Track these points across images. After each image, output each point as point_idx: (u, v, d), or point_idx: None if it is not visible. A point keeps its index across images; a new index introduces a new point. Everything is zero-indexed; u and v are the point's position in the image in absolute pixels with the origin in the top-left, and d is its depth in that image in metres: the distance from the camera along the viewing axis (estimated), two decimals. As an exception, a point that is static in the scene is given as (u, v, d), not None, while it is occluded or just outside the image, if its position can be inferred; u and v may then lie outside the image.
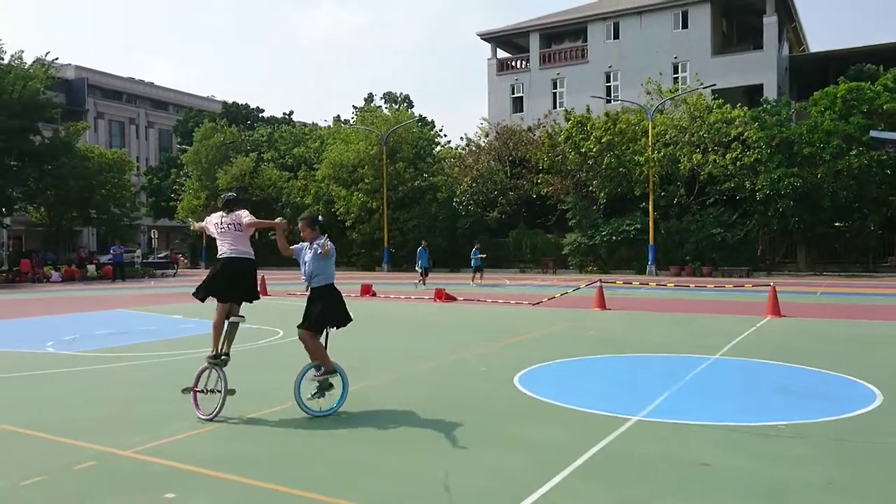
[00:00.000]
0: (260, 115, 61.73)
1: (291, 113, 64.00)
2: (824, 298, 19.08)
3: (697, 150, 31.37)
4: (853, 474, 4.74)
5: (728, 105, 32.23)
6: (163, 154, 64.82)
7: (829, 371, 8.30)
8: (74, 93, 61.34)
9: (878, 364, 8.78)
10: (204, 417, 6.29)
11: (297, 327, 6.68)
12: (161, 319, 15.44)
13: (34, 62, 38.65)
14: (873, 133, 27.45)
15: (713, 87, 33.65)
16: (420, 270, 24.67)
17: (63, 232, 45.89)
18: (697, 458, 5.07)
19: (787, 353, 9.57)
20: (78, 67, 62.71)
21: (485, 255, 28.14)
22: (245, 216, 6.91)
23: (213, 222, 6.97)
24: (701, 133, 31.70)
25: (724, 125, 31.46)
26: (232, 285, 6.75)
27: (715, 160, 30.73)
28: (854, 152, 28.36)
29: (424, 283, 24.25)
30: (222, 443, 5.60)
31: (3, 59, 37.32)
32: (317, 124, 54.63)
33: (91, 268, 38.27)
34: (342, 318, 6.68)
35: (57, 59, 40.25)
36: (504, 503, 4.19)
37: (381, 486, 4.55)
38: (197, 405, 6.47)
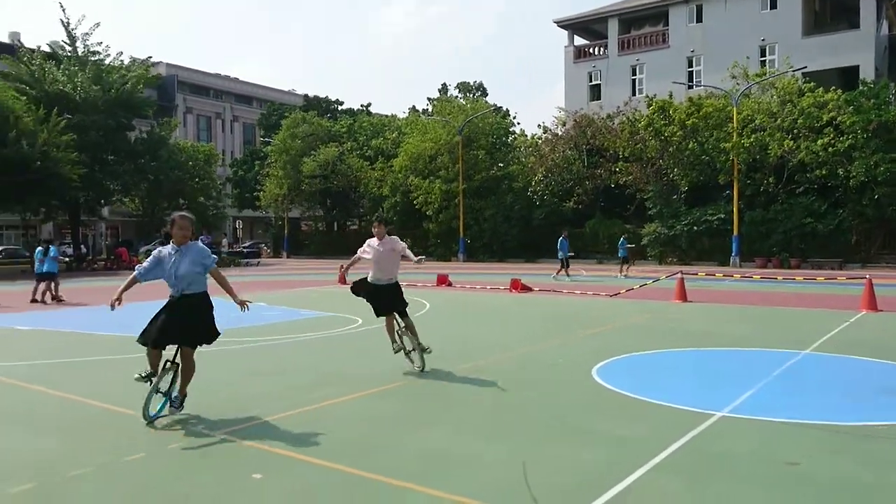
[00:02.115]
0: (339, 107, 62.93)
1: (369, 105, 64.96)
2: (927, 292, 17.92)
3: (788, 137, 29.96)
4: (959, 480, 4.46)
5: (821, 88, 30.60)
6: (246, 147, 67.12)
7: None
8: (165, 89, 64.18)
9: None
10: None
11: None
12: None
13: (131, 62, 40.75)
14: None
15: (804, 70, 32.01)
16: (561, 261, 24.08)
17: (155, 222, 48.28)
18: (785, 457, 4.89)
19: (885, 351, 9.07)
20: (168, 65, 65.53)
21: (633, 246, 27.43)
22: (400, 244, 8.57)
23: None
24: (792, 118, 30.24)
25: (817, 109, 29.91)
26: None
27: (807, 146, 29.28)
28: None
29: (568, 275, 23.75)
30: (308, 427, 5.77)
31: (105, 60, 39.53)
32: (395, 115, 55.23)
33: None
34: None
35: (150, 57, 42.27)
36: (584, 497, 4.16)
37: (466, 477, 4.59)
38: None
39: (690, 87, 38.16)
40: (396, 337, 8.21)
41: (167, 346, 6.10)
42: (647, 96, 36.03)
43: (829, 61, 36.00)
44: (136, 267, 6.12)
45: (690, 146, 32.01)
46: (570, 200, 37.02)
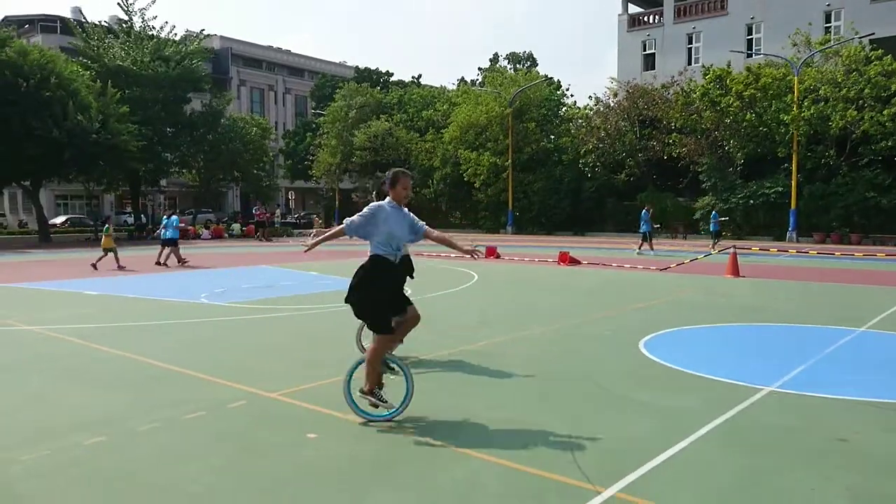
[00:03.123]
0: (389, 78, 63.03)
1: (420, 77, 64.88)
2: None
3: (852, 107, 28.76)
4: None
5: (889, 56, 29.20)
6: (299, 119, 67.95)
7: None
8: (220, 62, 65.25)
9: None
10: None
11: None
12: (300, 276, 16.45)
13: (186, 35, 41.56)
14: None
15: (871, 37, 30.55)
16: (643, 234, 23.74)
17: (211, 193, 49.52)
18: (834, 433, 4.86)
19: (946, 329, 8.79)
20: (222, 38, 66.50)
21: (725, 219, 26.66)
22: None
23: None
24: (857, 88, 28.99)
25: (884, 78, 28.59)
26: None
27: (872, 117, 28.08)
28: None
29: (652, 248, 23.42)
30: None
31: (161, 34, 40.41)
32: (445, 87, 55.05)
33: (236, 226, 41.14)
34: None
35: (204, 30, 43.02)
36: (628, 465, 4.23)
37: (513, 444, 4.70)
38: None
39: (749, 55, 36.90)
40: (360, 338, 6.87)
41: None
42: (704, 66, 35.01)
43: (898, 27, 34.28)
44: (346, 220, 5.33)
45: (748, 117, 31.06)
46: (622, 173, 36.45)
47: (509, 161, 39.52)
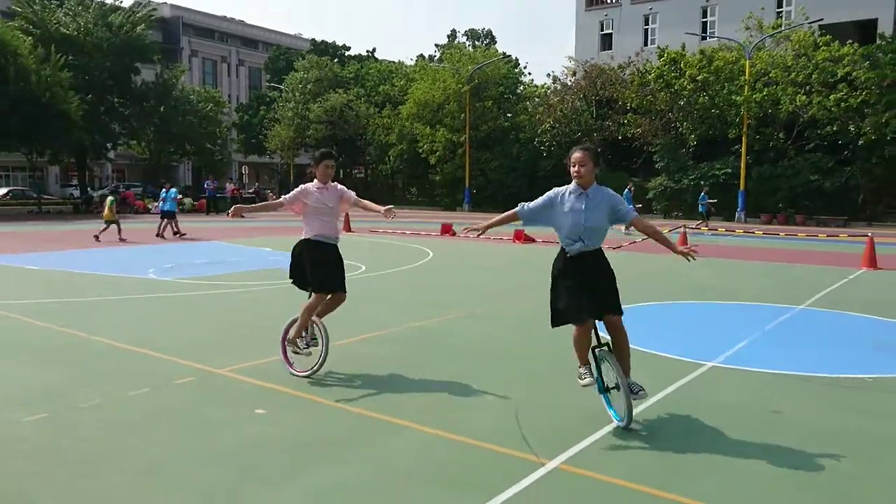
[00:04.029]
0: (346, 52, 62.10)
1: (374, 50, 64.10)
2: (929, 252, 17.94)
3: (801, 91, 29.50)
4: (936, 430, 4.61)
5: (836, 42, 29.97)
6: (252, 92, 66.49)
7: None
8: (170, 31, 63.29)
9: (981, 321, 8.31)
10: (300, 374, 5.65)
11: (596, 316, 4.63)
12: (251, 251, 16.21)
13: (135, 3, 40.16)
14: None
15: (820, 23, 31.29)
16: (702, 214, 23.60)
17: (162, 167, 48.27)
18: (770, 406, 5.05)
19: (880, 307, 9.18)
20: (172, 6, 64.46)
21: (715, 200, 26.57)
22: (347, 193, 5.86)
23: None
24: (806, 72, 29.71)
25: (831, 64, 29.36)
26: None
27: (819, 102, 28.86)
28: (978, 94, 26.03)
29: (707, 227, 23.23)
30: (322, 369, 5.94)
31: (107, 1, 38.96)
32: (402, 62, 54.52)
33: (187, 201, 40.25)
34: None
35: (154, -3, 41.68)
36: (572, 438, 4.33)
37: (462, 417, 4.78)
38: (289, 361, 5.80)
39: (704, 38, 37.43)
40: (317, 329, 5.78)
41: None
42: (659, 47, 35.40)
43: (846, 14, 35.12)
44: (521, 204, 4.77)
45: (701, 100, 31.60)
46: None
47: (466, 138, 39.48)
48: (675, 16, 40.42)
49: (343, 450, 4.16)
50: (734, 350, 6.71)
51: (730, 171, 31.40)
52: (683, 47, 33.70)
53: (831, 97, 28.54)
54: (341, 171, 54.07)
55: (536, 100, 41.26)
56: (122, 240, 18.18)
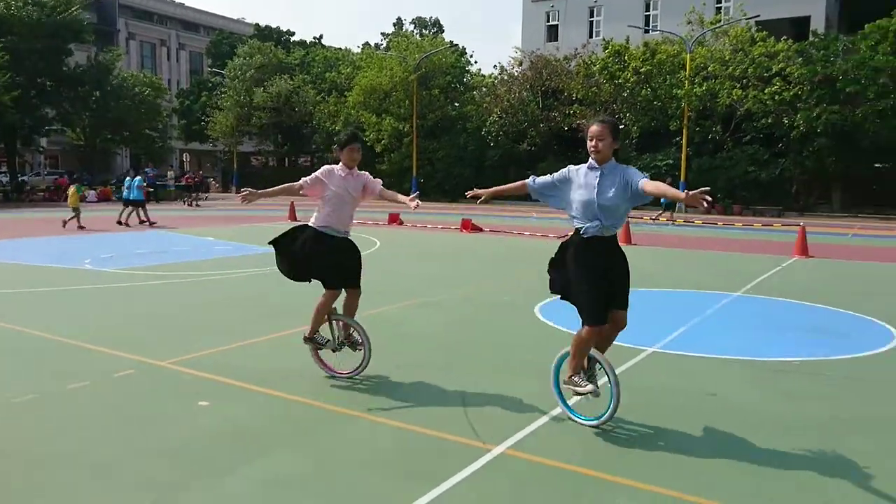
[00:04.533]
0: (291, 38, 60.98)
1: (321, 37, 63.10)
2: (856, 241, 18.82)
3: (738, 85, 30.43)
4: (859, 411, 4.86)
5: (772, 38, 31.00)
6: (193, 77, 64.72)
7: (851, 311, 8.33)
8: (105, 12, 60.98)
9: (901, 307, 8.77)
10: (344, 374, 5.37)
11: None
12: (194, 241, 15.86)
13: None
14: (924, 71, 26.35)
15: (757, 19, 32.29)
16: (665, 205, 23.61)
17: (98, 153, 46.61)
18: (705, 389, 5.23)
19: (810, 293, 9.59)
20: (109, -14, 62.13)
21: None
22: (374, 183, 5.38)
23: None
24: (743, 67, 30.66)
25: (767, 59, 30.37)
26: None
27: (755, 95, 29.82)
28: (902, 90, 27.30)
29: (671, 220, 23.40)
30: (257, 359, 5.89)
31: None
32: (349, 49, 53.87)
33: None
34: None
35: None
36: (518, 424, 4.41)
37: (409, 407, 4.79)
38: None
39: (647, 31, 38.15)
40: (333, 325, 5.49)
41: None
42: (604, 39, 35.95)
43: (781, 10, 36.30)
44: (532, 177, 4.57)
45: (643, 92, 32.26)
46: (524, 142, 37.11)
47: (413, 127, 39.36)
48: (619, 9, 41.04)
49: (288, 440, 4.13)
50: (673, 336, 6.92)
51: (671, 162, 32.20)
52: (627, 40, 34.32)
53: (766, 91, 29.52)
54: (286, 159, 53.30)
55: (484, 90, 41.40)
56: (81, 227, 18.21)
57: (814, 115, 28.55)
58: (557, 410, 4.67)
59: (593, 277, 4.18)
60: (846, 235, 20.23)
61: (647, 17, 40.94)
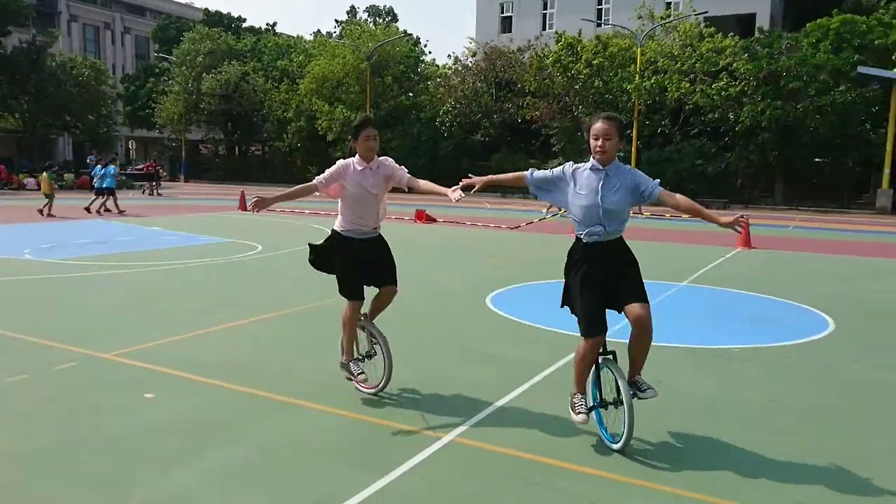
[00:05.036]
0: (242, 24, 59.77)
1: (275, 24, 62.05)
2: (797, 232, 19.48)
3: (686, 80, 31.10)
4: (793, 395, 5.07)
5: (720, 34, 31.75)
6: (140, 62, 62.90)
7: (790, 301, 8.64)
8: (46, -8, 58.69)
9: (835, 295, 9.14)
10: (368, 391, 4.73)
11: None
12: (140, 231, 15.47)
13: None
14: (861, 69, 27.38)
15: (705, 15, 33.03)
16: None
17: (38, 140, 44.96)
18: (652, 376, 5.35)
19: (752, 283, 9.91)
20: (49, -35, 59.74)
21: None
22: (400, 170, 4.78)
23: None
24: (691, 62, 31.34)
25: (714, 55, 31.10)
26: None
27: (702, 90, 30.54)
28: (841, 88, 28.31)
29: (555, 211, 23.39)
30: (204, 350, 5.80)
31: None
32: (301, 37, 53.08)
33: (69, 177, 37.75)
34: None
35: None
36: (468, 412, 4.45)
37: (359, 396, 4.79)
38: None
39: (599, 24, 38.63)
40: (365, 335, 4.97)
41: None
42: (557, 32, 36.28)
43: (728, 7, 37.22)
44: (531, 169, 4.21)
45: (595, 85, 32.69)
46: (478, 133, 37.23)
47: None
48: (572, 2, 41.45)
49: (235, 431, 4.10)
50: (620, 325, 7.05)
51: (622, 154, 31.76)
52: (580, 33, 34.70)
53: (713, 86, 30.25)
54: (237, 147, 52.31)
55: (438, 80, 41.35)
56: (50, 215, 18.40)
57: (758, 111, 29.40)
58: (506, 399, 4.73)
59: (589, 286, 3.92)
60: (787, 227, 20.93)
61: (599, 11, 41.46)
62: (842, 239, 17.79)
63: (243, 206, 21.48)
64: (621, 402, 3.87)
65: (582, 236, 3.93)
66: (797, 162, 30.35)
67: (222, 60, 46.44)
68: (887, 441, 4.20)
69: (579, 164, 4.00)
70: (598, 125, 3.86)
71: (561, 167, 4.02)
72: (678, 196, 3.99)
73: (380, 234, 4.84)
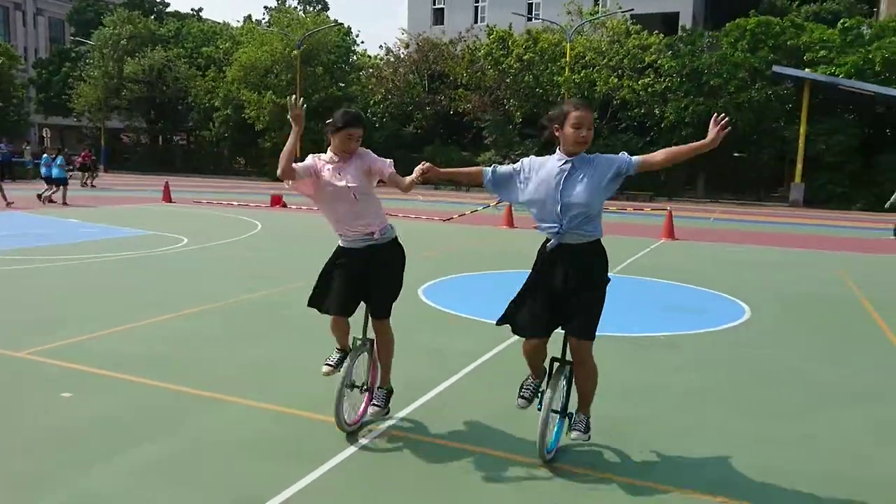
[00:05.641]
0: (165, 9, 57.62)
1: (201, 10, 60.08)
2: (717, 224, 20.31)
3: (614, 75, 31.86)
4: (711, 380, 5.29)
5: (645, 31, 32.67)
6: (54, 46, 59.76)
7: (710, 289, 9.01)
8: (-51, -31, 55.06)
9: (752, 284, 9.58)
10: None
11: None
12: (57, 223, 14.77)
13: None
14: (776, 68, 28.71)
15: (632, 12, 33.92)
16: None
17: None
18: (580, 364, 5.50)
19: (675, 273, 10.27)
20: (-48, -60, 56.08)
21: None
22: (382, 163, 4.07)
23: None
24: (618, 58, 32.14)
25: (640, 51, 31.98)
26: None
27: (629, 85, 31.36)
28: (757, 85, 29.60)
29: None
30: (126, 346, 5.59)
31: None
32: (228, 23, 51.61)
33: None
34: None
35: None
36: (398, 404, 4.45)
37: (289, 388, 4.74)
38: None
39: (530, 19, 39.10)
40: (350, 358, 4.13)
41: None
42: (488, 25, 36.53)
43: (654, 6, 38.31)
44: (493, 165, 3.83)
45: (526, 79, 33.10)
46: (410, 125, 37.16)
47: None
48: (503, -5, 41.78)
49: (158, 428, 3.97)
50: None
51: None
52: (511, 27, 35.06)
53: (640, 82, 31.13)
54: (160, 136, 50.50)
55: (370, 70, 41.00)
56: (8, 204, 18.19)
57: (682, 107, 30.43)
58: (438, 389, 4.76)
59: (535, 284, 3.65)
60: (708, 219, 21.79)
61: (530, 6, 41.96)
62: (758, 230, 18.64)
63: (167, 197, 20.78)
64: (557, 412, 3.67)
65: (546, 241, 3.59)
66: (717, 156, 31.57)
67: (144, 45, 44.68)
68: (794, 425, 4.44)
69: (541, 157, 3.61)
70: (579, 113, 3.45)
71: (521, 161, 3.68)
72: (656, 154, 3.57)
73: (380, 245, 4.05)
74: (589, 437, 3.62)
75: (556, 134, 3.51)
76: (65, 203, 19.46)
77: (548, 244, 3.54)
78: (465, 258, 11.38)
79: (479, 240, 14.03)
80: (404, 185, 3.88)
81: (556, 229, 3.45)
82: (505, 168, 3.70)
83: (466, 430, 4.12)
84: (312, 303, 4.19)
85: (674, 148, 3.58)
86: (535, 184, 3.50)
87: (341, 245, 4.10)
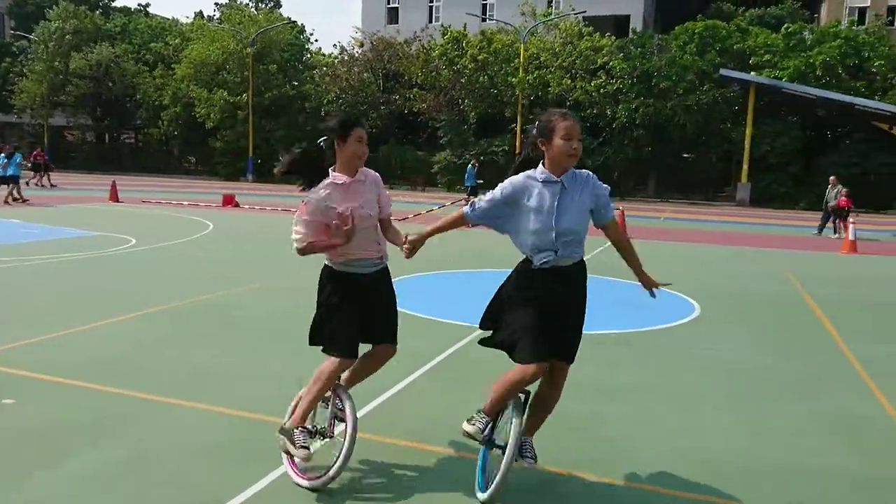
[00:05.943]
0: (111, 3, 56.00)
1: (148, 5, 58.60)
2: (667, 223, 20.75)
3: (567, 76, 32.27)
4: (661, 377, 5.41)
5: (597, 34, 33.18)
6: (-6, 39, 57.54)
7: (660, 287, 9.17)
8: None
9: (701, 282, 9.82)
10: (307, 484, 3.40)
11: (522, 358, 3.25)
12: (-4, 223, 14.25)
13: None
14: (723, 71, 29.49)
15: (584, 14, 34.39)
16: (468, 188, 23.34)
17: None
18: (535, 362, 5.56)
19: (627, 271, 10.35)
20: None
21: (482, 182, 23.57)
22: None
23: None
24: (571, 59, 32.56)
25: (593, 53, 32.46)
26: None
27: (582, 87, 31.81)
28: (705, 87, 30.35)
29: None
30: (72, 351, 5.43)
31: None
32: (177, 20, 50.51)
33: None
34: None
35: None
36: (356, 403, 4.42)
37: (242, 391, 4.66)
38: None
39: (484, 19, 39.32)
40: (329, 411, 3.71)
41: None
42: (443, 25, 36.60)
43: (606, 8, 38.92)
44: (472, 202, 3.49)
45: (481, 79, 33.28)
46: (365, 125, 36.99)
47: (249, 101, 37.81)
48: (458, -5, 41.90)
49: (104, 433, 3.87)
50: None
51: (507, 147, 33.56)
52: (465, 27, 35.20)
53: (592, 83, 31.62)
54: (107, 134, 49.12)
55: (324, 69, 40.66)
56: (20, 199, 18.75)
57: (633, 108, 31.00)
58: (395, 390, 4.75)
59: (533, 306, 3.22)
60: (659, 218, 22.24)
61: (484, 6, 42.18)
62: (706, 229, 19.11)
63: (114, 197, 20.23)
64: (505, 449, 3.21)
65: (532, 261, 3.25)
66: (668, 157, 32.28)
67: (90, 41, 43.39)
68: (735, 418, 4.57)
69: (525, 179, 3.23)
70: (568, 123, 3.12)
71: (509, 186, 3.23)
72: (617, 227, 3.48)
73: (386, 267, 3.76)
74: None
75: (543, 148, 3.18)
76: (15, 200, 19.17)
77: (533, 264, 3.23)
78: (422, 258, 11.35)
79: (437, 239, 14.02)
80: (397, 241, 3.66)
81: (552, 256, 3.20)
82: (489, 199, 3.32)
83: (422, 429, 4.12)
84: (318, 342, 3.70)
85: (629, 250, 3.62)
86: (532, 208, 3.18)
87: (346, 272, 3.62)
